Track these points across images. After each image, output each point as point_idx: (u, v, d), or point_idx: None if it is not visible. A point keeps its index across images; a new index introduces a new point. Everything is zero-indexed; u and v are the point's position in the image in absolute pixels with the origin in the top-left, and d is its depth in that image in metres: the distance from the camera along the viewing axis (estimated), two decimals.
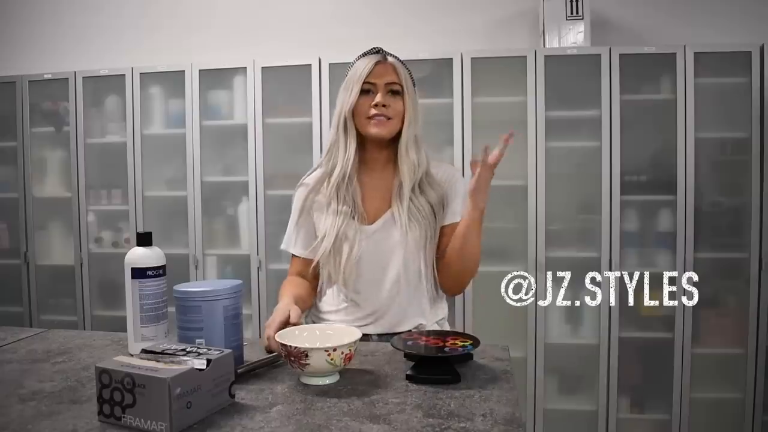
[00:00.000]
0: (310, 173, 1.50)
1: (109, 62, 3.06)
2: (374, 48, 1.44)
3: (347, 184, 1.40)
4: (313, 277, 1.46)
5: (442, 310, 1.50)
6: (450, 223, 1.43)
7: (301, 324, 1.20)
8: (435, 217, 1.42)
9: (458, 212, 1.43)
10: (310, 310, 1.51)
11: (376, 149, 1.43)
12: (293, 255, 1.49)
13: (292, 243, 1.49)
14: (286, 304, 1.24)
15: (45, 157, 3.07)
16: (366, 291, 1.40)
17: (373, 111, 1.37)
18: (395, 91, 1.39)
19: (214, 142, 2.91)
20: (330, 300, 1.45)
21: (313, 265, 1.43)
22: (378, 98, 1.37)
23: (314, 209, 1.45)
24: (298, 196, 1.49)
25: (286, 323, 1.18)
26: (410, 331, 1.39)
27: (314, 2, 3.06)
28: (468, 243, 1.34)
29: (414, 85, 1.44)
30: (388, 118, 1.38)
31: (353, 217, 1.40)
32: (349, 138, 1.40)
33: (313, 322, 1.48)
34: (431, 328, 1.42)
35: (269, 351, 1.16)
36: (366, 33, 2.92)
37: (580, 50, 2.55)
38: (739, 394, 2.52)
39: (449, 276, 1.43)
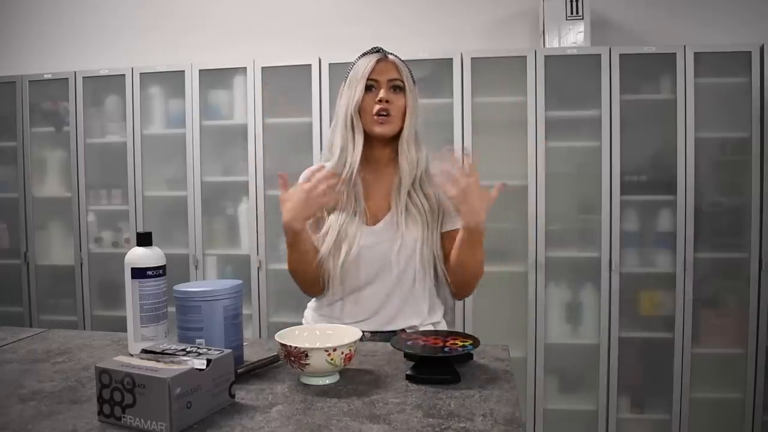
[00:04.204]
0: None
1: (109, 62, 3.07)
2: (374, 48, 1.46)
3: (353, 183, 1.42)
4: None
5: (439, 313, 1.50)
6: (451, 230, 1.44)
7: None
8: (434, 216, 1.43)
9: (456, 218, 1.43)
10: (310, 306, 1.52)
11: (379, 147, 1.45)
12: None
13: None
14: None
15: (45, 157, 3.07)
16: (363, 288, 1.41)
17: (377, 107, 1.38)
18: (397, 87, 1.41)
19: (214, 142, 2.91)
20: (327, 295, 1.46)
21: (318, 257, 1.43)
22: (381, 94, 1.38)
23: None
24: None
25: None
26: (404, 330, 1.40)
27: (314, 2, 3.06)
28: (464, 260, 1.35)
29: (414, 83, 1.46)
30: (391, 115, 1.39)
31: (355, 214, 1.41)
32: (357, 136, 1.41)
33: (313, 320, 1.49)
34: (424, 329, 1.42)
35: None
36: (366, 33, 2.92)
37: (580, 50, 2.55)
38: (739, 394, 2.52)
39: (454, 283, 1.44)
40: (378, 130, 1.39)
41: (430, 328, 1.44)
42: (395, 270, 1.40)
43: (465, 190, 1.24)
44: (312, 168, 1.37)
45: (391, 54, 1.45)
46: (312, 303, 1.52)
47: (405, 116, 1.41)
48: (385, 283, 1.40)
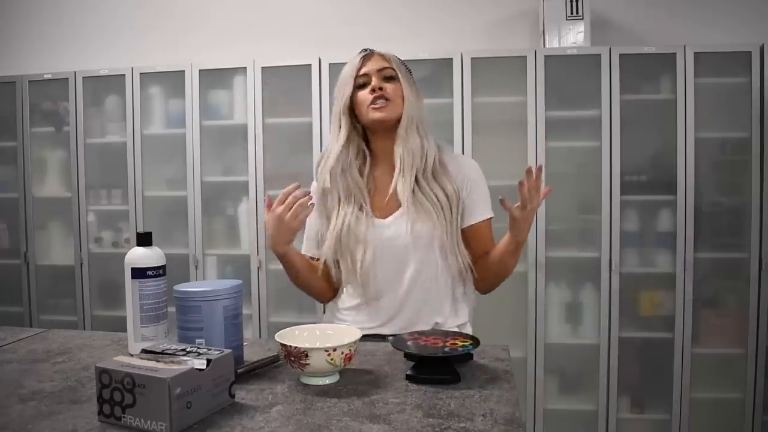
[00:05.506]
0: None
1: (109, 62, 3.06)
2: (362, 50, 1.46)
3: (348, 173, 1.39)
4: (324, 274, 1.44)
5: (464, 313, 1.47)
6: (474, 224, 1.42)
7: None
8: (451, 209, 1.38)
9: (481, 210, 1.42)
10: (329, 308, 1.52)
11: (382, 138, 1.42)
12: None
13: (303, 244, 1.50)
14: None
15: (45, 157, 3.07)
16: (383, 289, 1.39)
17: (372, 96, 1.37)
18: (390, 77, 1.40)
19: (214, 142, 2.91)
20: (347, 298, 1.45)
21: (321, 261, 1.42)
22: (374, 82, 1.38)
23: (325, 207, 1.44)
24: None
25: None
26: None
27: (314, 2, 3.06)
28: (504, 265, 1.38)
29: (410, 73, 1.44)
30: (388, 99, 1.37)
31: (361, 210, 1.39)
32: (342, 130, 1.40)
33: (330, 322, 1.48)
34: (449, 329, 1.37)
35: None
36: (366, 33, 2.92)
37: (580, 50, 2.55)
38: (739, 394, 2.52)
39: (483, 283, 1.46)
40: (377, 115, 1.37)
41: (455, 330, 1.39)
42: (411, 267, 1.37)
43: (533, 210, 1.26)
44: (286, 189, 1.29)
45: (379, 51, 1.45)
46: (331, 305, 1.51)
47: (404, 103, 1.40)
48: (403, 283, 1.38)
